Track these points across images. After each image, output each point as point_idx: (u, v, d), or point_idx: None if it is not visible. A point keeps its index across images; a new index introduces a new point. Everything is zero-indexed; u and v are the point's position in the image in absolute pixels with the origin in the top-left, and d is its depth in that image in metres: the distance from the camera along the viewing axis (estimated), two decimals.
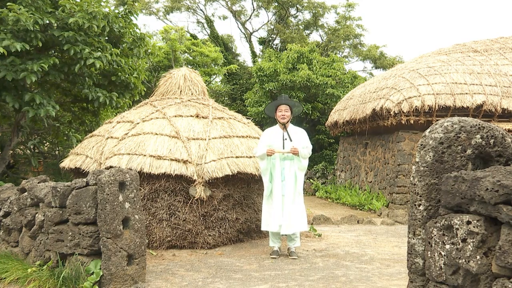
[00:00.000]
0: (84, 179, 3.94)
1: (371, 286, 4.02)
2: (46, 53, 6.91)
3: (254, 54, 25.40)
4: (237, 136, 6.03)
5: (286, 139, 5.27)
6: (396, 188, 9.64)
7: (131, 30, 7.67)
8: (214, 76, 21.66)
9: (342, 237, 6.66)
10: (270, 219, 5.20)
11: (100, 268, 3.71)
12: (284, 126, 5.35)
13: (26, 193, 4.63)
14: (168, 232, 5.44)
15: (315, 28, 25.61)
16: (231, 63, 21.52)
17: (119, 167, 4.01)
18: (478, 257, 1.86)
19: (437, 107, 9.18)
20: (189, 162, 5.39)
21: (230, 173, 5.47)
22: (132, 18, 7.69)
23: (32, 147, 10.22)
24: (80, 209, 3.82)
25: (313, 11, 24.60)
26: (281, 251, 5.39)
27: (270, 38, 25.57)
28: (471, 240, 1.89)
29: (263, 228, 5.36)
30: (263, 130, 6.27)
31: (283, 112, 5.33)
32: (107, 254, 3.67)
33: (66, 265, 3.95)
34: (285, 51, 17.55)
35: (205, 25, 26.33)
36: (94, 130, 6.99)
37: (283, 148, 5.22)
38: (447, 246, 2.00)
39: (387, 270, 4.63)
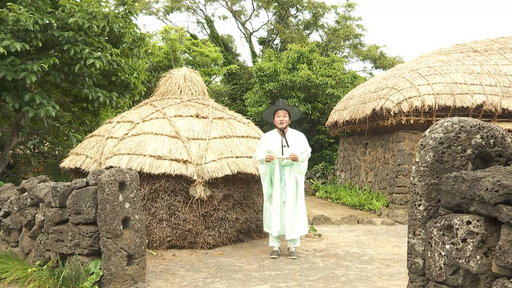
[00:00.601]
0: (84, 179, 3.94)
1: (371, 286, 4.02)
2: (46, 53, 6.91)
3: (254, 54, 25.39)
4: (237, 136, 6.03)
5: (285, 146, 5.27)
6: (396, 188, 9.64)
7: (131, 30, 7.67)
8: (214, 76, 21.67)
9: (342, 237, 6.66)
10: (271, 222, 5.28)
11: (100, 268, 3.71)
12: (282, 132, 5.35)
13: (26, 193, 4.63)
14: (168, 232, 5.44)
15: (315, 28, 25.60)
16: (231, 63, 21.52)
17: (119, 167, 4.01)
18: (478, 257, 1.86)
19: (437, 107, 9.17)
20: (189, 162, 5.39)
21: (230, 173, 5.47)
22: (132, 18, 7.69)
23: (32, 147, 10.22)
24: (80, 209, 3.82)
25: (313, 11, 24.59)
26: (281, 251, 5.39)
27: (270, 38, 25.57)
28: (471, 240, 1.89)
29: (265, 229, 5.44)
30: (263, 130, 6.27)
31: (281, 118, 5.31)
32: (107, 254, 3.67)
33: (66, 265, 3.95)
34: (285, 51, 17.55)
35: (205, 25, 26.33)
36: (94, 130, 6.99)
37: (282, 155, 5.24)
38: (447, 246, 2.00)
39: (387, 270, 4.63)
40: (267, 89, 16.18)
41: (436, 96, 9.26)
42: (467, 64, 10.31)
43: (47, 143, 10.67)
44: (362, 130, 11.44)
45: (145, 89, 8.60)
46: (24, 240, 4.52)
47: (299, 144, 5.30)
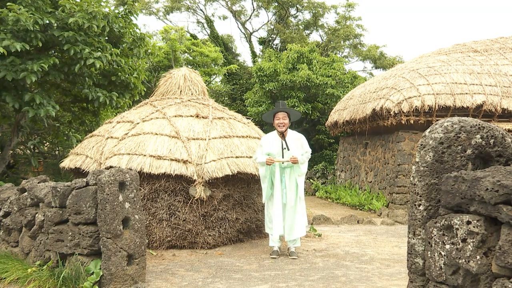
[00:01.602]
0: (84, 179, 3.94)
1: (371, 286, 4.02)
2: (46, 53, 6.90)
3: (254, 54, 25.38)
4: (237, 136, 6.03)
5: (285, 148, 5.28)
6: (396, 188, 9.63)
7: (131, 30, 7.66)
8: (214, 76, 21.65)
9: (342, 237, 6.66)
10: (272, 224, 5.30)
11: (100, 268, 3.71)
12: (282, 134, 5.35)
13: (26, 193, 4.63)
14: (168, 232, 5.44)
15: (315, 28, 25.60)
16: (231, 63, 21.51)
17: (119, 167, 4.01)
18: (478, 257, 1.86)
19: (437, 107, 9.17)
20: (189, 162, 5.39)
21: (230, 173, 5.47)
22: (132, 18, 7.68)
23: (32, 147, 10.22)
24: (80, 209, 3.82)
25: (313, 11, 24.58)
26: (281, 251, 5.39)
27: (270, 38, 25.56)
28: (471, 240, 1.89)
29: (266, 230, 5.48)
30: (263, 130, 6.27)
31: (281, 120, 5.31)
32: (107, 254, 3.67)
33: (66, 265, 3.95)
34: (285, 51, 17.55)
35: (205, 25, 26.32)
36: (94, 130, 6.99)
37: (283, 157, 5.25)
38: (447, 246, 2.00)
39: (387, 270, 4.63)
40: (267, 89, 16.18)
41: (436, 96, 9.26)
42: (467, 64, 10.31)
43: (47, 143, 10.66)
44: (362, 130, 11.44)
45: (145, 89, 8.60)
46: (24, 240, 4.52)
47: (299, 146, 5.31)
